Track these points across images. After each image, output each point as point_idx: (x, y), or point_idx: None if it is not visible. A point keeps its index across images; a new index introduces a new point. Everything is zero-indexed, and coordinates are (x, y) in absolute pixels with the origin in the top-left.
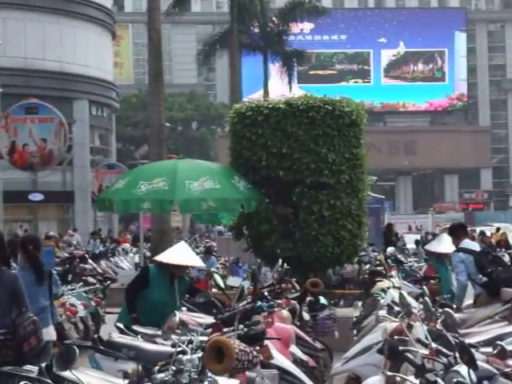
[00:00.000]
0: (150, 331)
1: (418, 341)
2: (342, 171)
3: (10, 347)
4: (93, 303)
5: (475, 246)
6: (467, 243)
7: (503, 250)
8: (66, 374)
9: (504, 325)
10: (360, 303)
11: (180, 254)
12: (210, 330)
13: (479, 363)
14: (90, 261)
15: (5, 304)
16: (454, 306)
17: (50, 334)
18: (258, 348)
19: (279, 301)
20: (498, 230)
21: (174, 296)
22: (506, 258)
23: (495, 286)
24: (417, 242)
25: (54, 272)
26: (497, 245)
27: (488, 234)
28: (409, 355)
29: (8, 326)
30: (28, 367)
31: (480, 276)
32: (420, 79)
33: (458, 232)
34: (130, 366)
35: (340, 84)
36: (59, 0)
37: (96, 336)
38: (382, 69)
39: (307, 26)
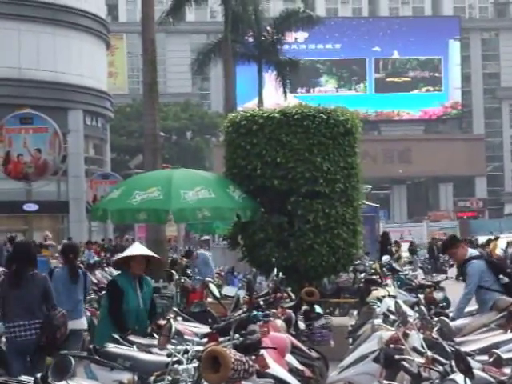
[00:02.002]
0: (145, 341)
1: (414, 349)
2: (336, 180)
3: (45, 334)
4: (88, 313)
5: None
6: (474, 252)
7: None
8: None
9: (500, 333)
10: (355, 312)
11: (132, 250)
12: (205, 340)
13: (475, 372)
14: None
15: (38, 300)
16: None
17: (83, 323)
18: (253, 357)
19: (275, 310)
20: (496, 238)
21: (145, 300)
22: None
23: None
24: (411, 251)
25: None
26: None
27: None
28: (405, 364)
29: (41, 318)
30: (23, 377)
31: (501, 276)
32: (414, 88)
33: (452, 246)
34: (126, 376)
35: (335, 93)
36: (53, 10)
37: (91, 346)
38: (374, 78)
39: (301, 35)
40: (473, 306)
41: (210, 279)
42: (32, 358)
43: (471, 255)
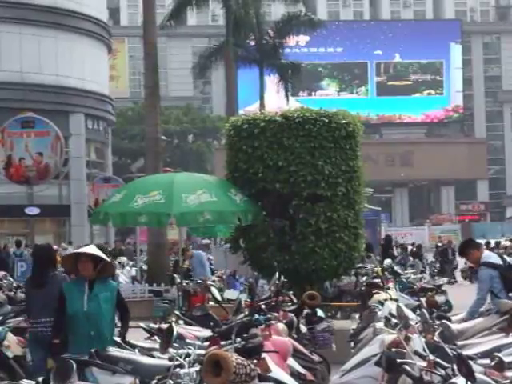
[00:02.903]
0: (147, 345)
1: (416, 353)
2: (338, 183)
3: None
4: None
5: (495, 258)
6: (489, 256)
7: None
8: None
9: (502, 336)
10: (357, 315)
11: (78, 250)
12: (207, 344)
13: (477, 375)
14: None
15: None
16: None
17: None
18: (255, 361)
19: (276, 314)
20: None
21: (98, 304)
22: None
23: None
24: (413, 254)
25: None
26: None
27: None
28: (406, 367)
29: None
30: (25, 381)
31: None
32: (416, 91)
33: (468, 249)
34: (128, 380)
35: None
36: (55, 14)
37: (93, 350)
38: (375, 81)
39: (303, 39)
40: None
41: (202, 279)
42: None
43: (487, 259)
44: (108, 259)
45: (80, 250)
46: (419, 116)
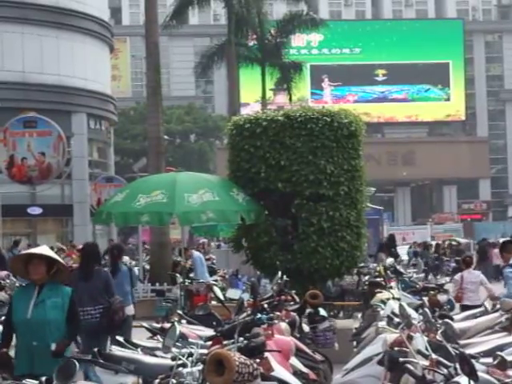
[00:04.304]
0: (150, 344)
1: (419, 352)
2: (340, 183)
3: (106, 317)
4: None
5: None
6: None
7: None
8: None
9: (504, 335)
10: (360, 314)
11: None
12: (210, 343)
13: (480, 374)
14: None
15: (102, 291)
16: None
17: (131, 310)
18: (258, 360)
19: (279, 313)
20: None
21: (44, 311)
22: None
23: None
24: (415, 253)
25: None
26: None
27: None
28: (409, 366)
29: (103, 304)
30: (28, 381)
31: None
32: (418, 90)
33: (509, 247)
34: (130, 380)
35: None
36: (57, 13)
37: (96, 349)
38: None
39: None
40: (477, 309)
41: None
42: (97, 337)
43: None
44: (62, 261)
45: (31, 251)
46: (420, 115)
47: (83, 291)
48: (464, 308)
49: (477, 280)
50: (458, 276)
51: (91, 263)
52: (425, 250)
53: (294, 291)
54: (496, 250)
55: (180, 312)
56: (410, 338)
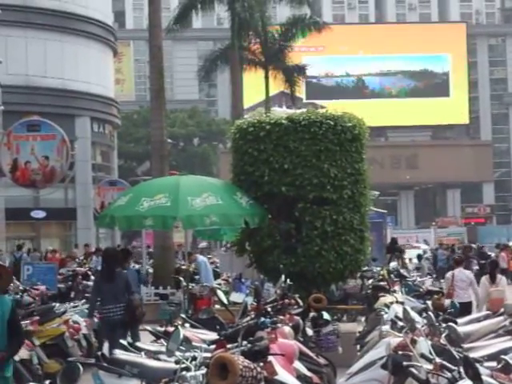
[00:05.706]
0: (153, 348)
1: (422, 356)
2: (344, 186)
3: (128, 312)
4: (96, 320)
5: None
6: None
7: None
8: None
9: (508, 339)
10: (363, 318)
11: None
12: (213, 347)
13: (484, 378)
14: (92, 278)
15: (123, 290)
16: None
17: None
18: (261, 364)
19: (282, 317)
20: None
21: None
22: None
23: None
24: (419, 257)
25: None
26: None
27: None
28: (413, 370)
29: (124, 302)
30: None
31: None
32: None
33: None
34: (134, 383)
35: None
36: (60, 17)
37: (99, 353)
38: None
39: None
40: (481, 313)
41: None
42: (120, 331)
43: None
44: (6, 268)
45: None
46: (424, 119)
47: (107, 291)
48: None
49: (467, 279)
50: (449, 274)
51: (113, 266)
52: (452, 252)
53: (297, 295)
54: (503, 254)
55: (183, 316)
56: (413, 341)
